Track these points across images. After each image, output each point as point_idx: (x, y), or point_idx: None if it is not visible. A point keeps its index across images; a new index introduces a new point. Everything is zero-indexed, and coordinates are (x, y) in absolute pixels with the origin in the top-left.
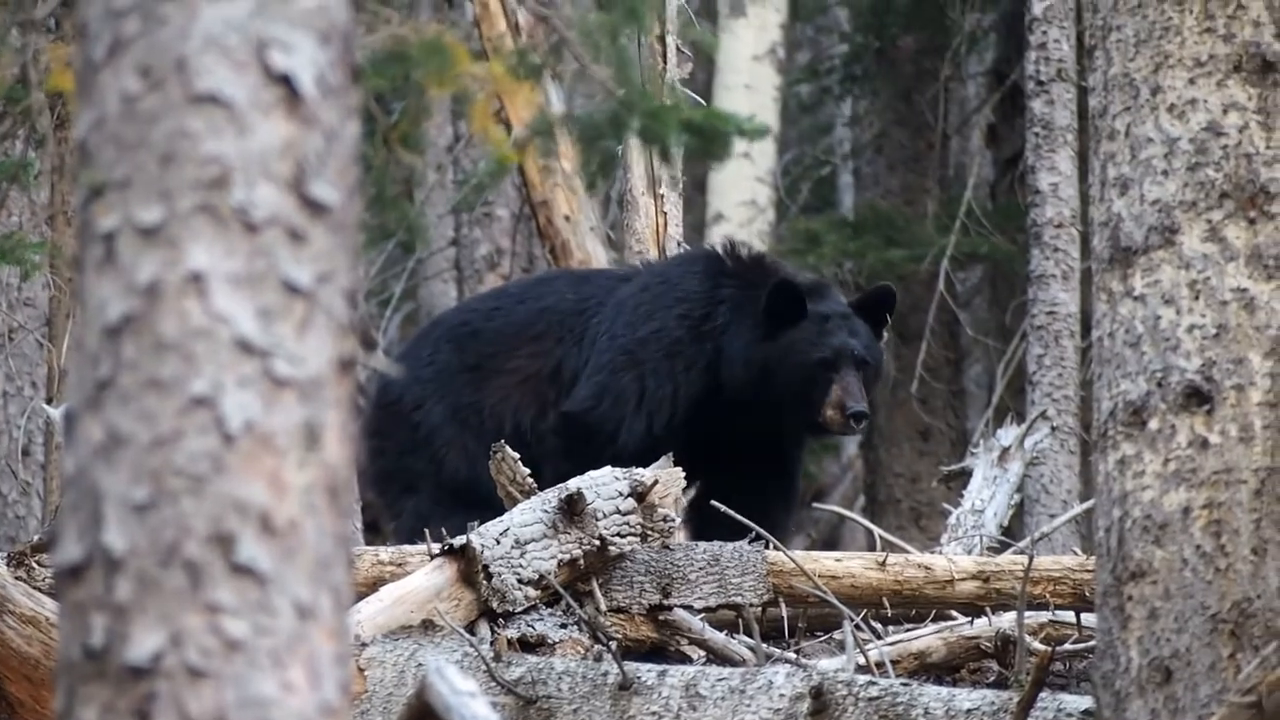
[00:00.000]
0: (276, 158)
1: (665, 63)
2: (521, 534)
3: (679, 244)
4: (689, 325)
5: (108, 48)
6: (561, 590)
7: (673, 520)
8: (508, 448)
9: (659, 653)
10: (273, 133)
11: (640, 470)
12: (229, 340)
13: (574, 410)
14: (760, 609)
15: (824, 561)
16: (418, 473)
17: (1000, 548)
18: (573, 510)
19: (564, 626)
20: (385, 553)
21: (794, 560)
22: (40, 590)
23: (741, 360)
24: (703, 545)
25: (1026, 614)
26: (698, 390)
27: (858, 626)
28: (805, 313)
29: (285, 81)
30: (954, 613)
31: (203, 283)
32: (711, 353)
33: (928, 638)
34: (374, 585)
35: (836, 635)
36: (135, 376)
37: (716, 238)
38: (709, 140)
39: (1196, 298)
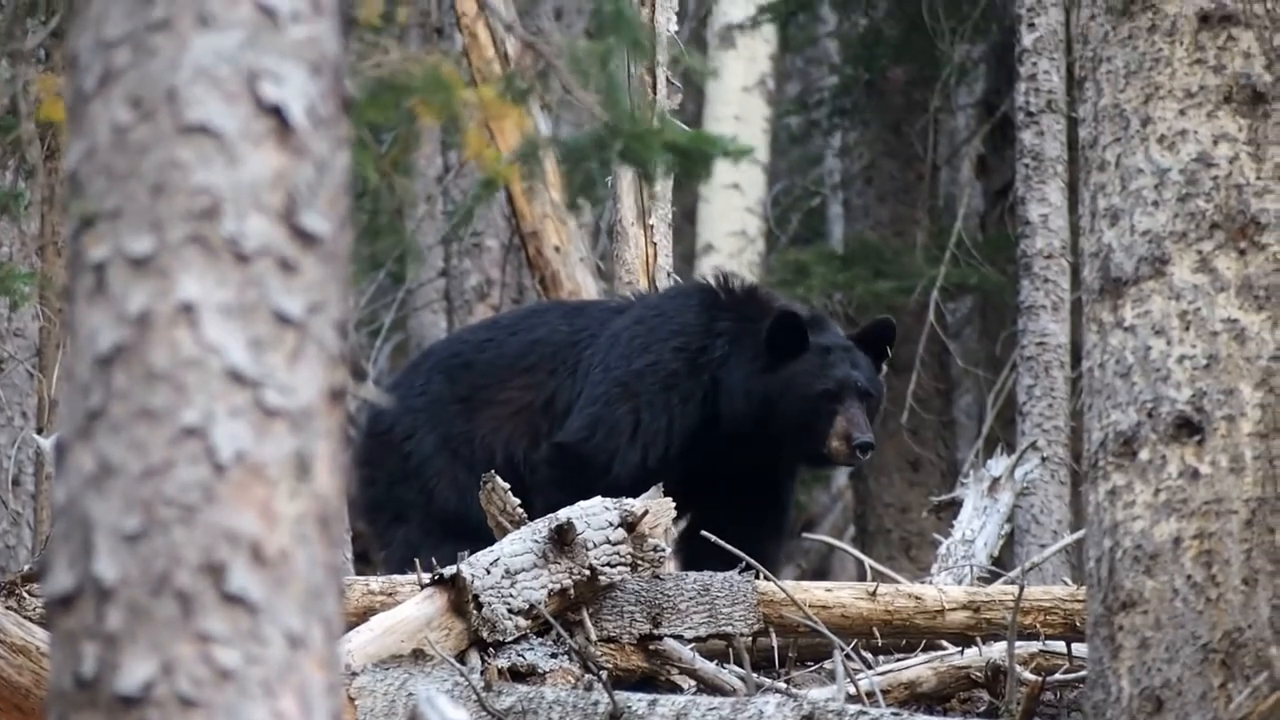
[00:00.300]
0: (267, 188)
1: (655, 94)
2: (512, 564)
3: (669, 274)
4: (685, 358)
5: (98, 78)
6: (552, 620)
7: (663, 550)
8: (498, 478)
9: (649, 682)
10: (264, 163)
11: (630, 500)
12: (220, 370)
13: (567, 441)
14: (751, 639)
15: (814, 591)
16: (408, 502)
17: (991, 578)
18: (563, 540)
19: (554, 656)
20: (376, 582)
21: (784, 590)
22: (31, 620)
23: (742, 392)
24: (693, 575)
25: (1017, 644)
26: (693, 422)
27: (848, 656)
28: (807, 344)
29: (276, 112)
30: (944, 642)
31: (194, 313)
32: (708, 385)
33: (918, 667)
34: (364, 615)
35: (827, 665)
36: (126, 406)
37: (706, 268)
38: (693, 161)
39: (1187, 328)
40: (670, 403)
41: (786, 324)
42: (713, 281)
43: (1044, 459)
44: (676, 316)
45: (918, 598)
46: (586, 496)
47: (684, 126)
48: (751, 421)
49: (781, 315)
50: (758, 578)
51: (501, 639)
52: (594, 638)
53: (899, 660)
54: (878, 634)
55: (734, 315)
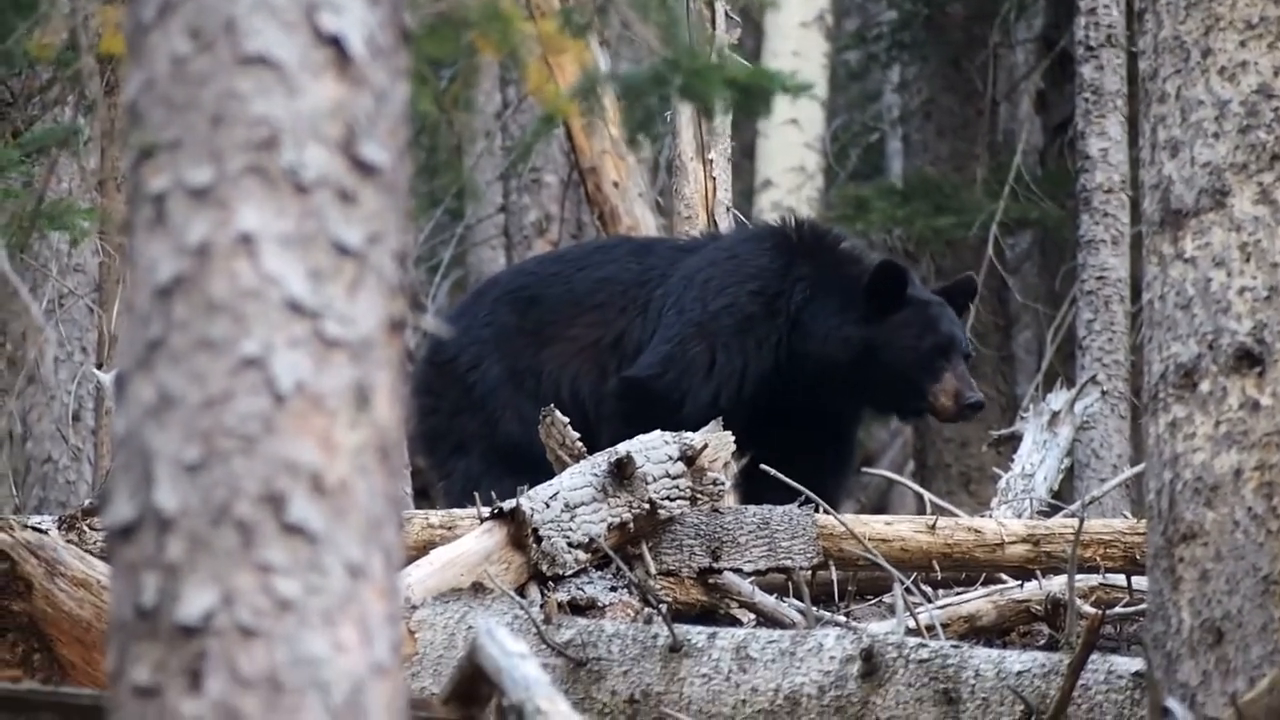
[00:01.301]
0: (326, 119)
1: (714, 29)
2: (571, 498)
3: (728, 210)
4: (762, 301)
5: (157, 9)
6: (611, 553)
7: (722, 484)
8: (557, 412)
9: (709, 616)
10: (322, 94)
11: (690, 434)
12: (279, 301)
13: (639, 376)
14: (810, 572)
15: (874, 525)
16: (470, 433)
17: (1050, 511)
18: (622, 474)
19: (614, 589)
20: (435, 516)
21: (844, 523)
22: (91, 554)
23: (839, 339)
24: (752, 509)
25: (1077, 577)
26: (767, 366)
27: (908, 590)
28: (907, 297)
29: (335, 42)
30: (1004, 576)
31: (253, 244)
32: (784, 329)
33: (978, 601)
34: (424, 549)
35: (886, 599)
36: (186, 337)
37: (765, 204)
38: (752, 97)
39: (1247, 260)
40: (745, 345)
41: (890, 275)
42: (782, 223)
43: (1104, 393)
44: (752, 260)
45: (977, 531)
46: None
47: (743, 62)
48: (847, 369)
49: (885, 266)
50: (817, 511)
51: (561, 573)
52: (653, 571)
53: (958, 594)
54: (937, 567)
55: (811, 260)
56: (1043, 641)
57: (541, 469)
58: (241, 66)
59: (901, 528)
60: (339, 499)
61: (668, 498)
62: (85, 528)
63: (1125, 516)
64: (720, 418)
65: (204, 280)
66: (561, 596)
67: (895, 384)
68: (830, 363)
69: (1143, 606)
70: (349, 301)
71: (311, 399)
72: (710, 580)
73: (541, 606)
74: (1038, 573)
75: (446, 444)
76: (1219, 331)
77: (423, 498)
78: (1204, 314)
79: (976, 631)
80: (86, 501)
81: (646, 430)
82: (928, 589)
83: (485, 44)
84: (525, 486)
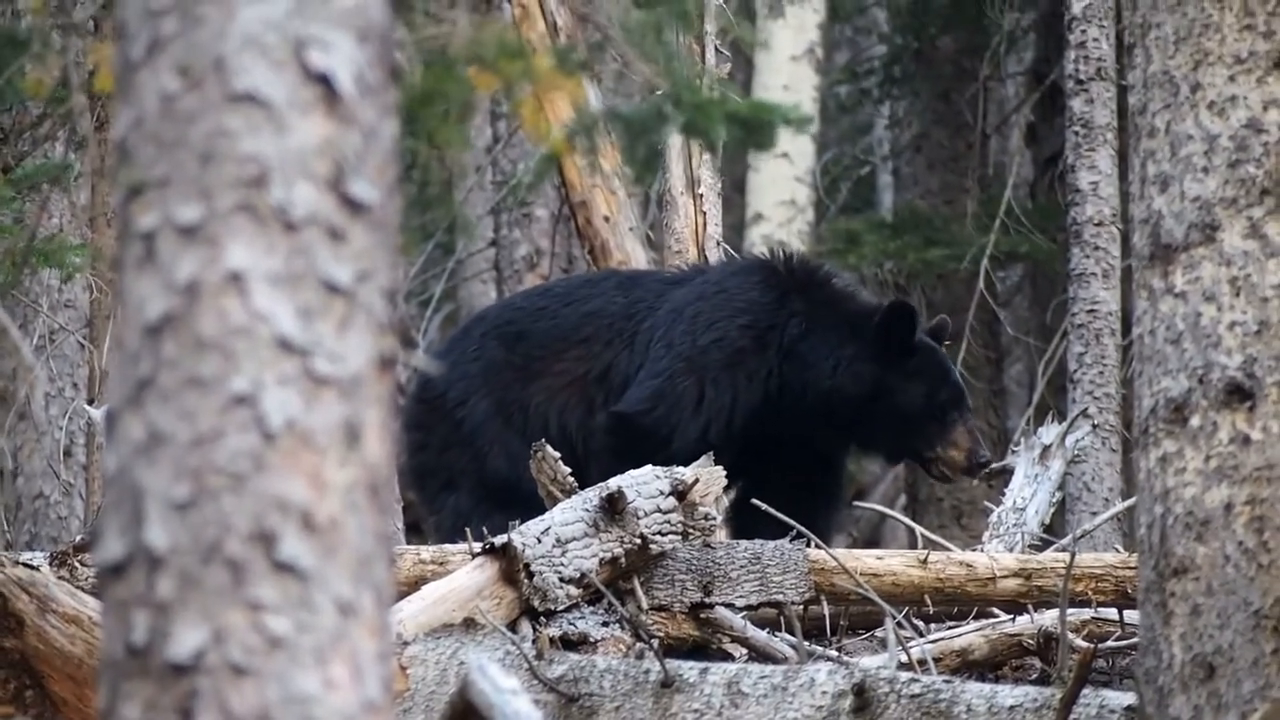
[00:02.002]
0: (315, 156)
1: (704, 63)
2: (563, 532)
3: (718, 244)
4: (753, 335)
5: (146, 47)
6: (603, 588)
7: (714, 518)
8: (548, 447)
9: (701, 651)
10: (311, 131)
11: (681, 469)
12: (269, 338)
13: (628, 412)
14: (802, 607)
15: (866, 559)
16: (459, 469)
17: (1042, 545)
18: (614, 509)
19: (606, 624)
20: (427, 552)
21: (836, 558)
22: (83, 590)
23: (850, 373)
24: (744, 544)
25: (1069, 611)
26: (757, 399)
27: (900, 624)
28: (916, 341)
29: (323, 80)
30: (996, 610)
31: (242, 281)
32: (775, 362)
33: (970, 635)
34: (416, 584)
35: (879, 633)
36: (176, 375)
37: (756, 237)
38: (753, 131)
39: (1238, 294)
40: (735, 379)
41: (903, 315)
42: (770, 257)
43: (1095, 426)
44: (741, 294)
45: (969, 565)
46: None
47: (735, 97)
48: (855, 405)
49: (899, 306)
50: (809, 545)
51: (553, 608)
52: (645, 606)
53: (951, 628)
54: (929, 602)
55: (803, 294)
56: (1035, 676)
57: (531, 504)
58: (230, 104)
59: (893, 562)
60: (329, 536)
61: (659, 532)
62: (77, 563)
63: (1117, 550)
64: (710, 452)
65: (193, 318)
66: (553, 632)
67: (903, 429)
68: (838, 397)
69: (1135, 640)
70: (339, 339)
71: (301, 436)
72: (702, 615)
73: (533, 642)
74: (1030, 607)
75: (436, 480)
76: (1209, 366)
77: (414, 532)
78: (1194, 348)
79: (968, 666)
80: (78, 537)
81: (636, 465)
82: (920, 623)
83: (482, 80)
84: (516, 522)
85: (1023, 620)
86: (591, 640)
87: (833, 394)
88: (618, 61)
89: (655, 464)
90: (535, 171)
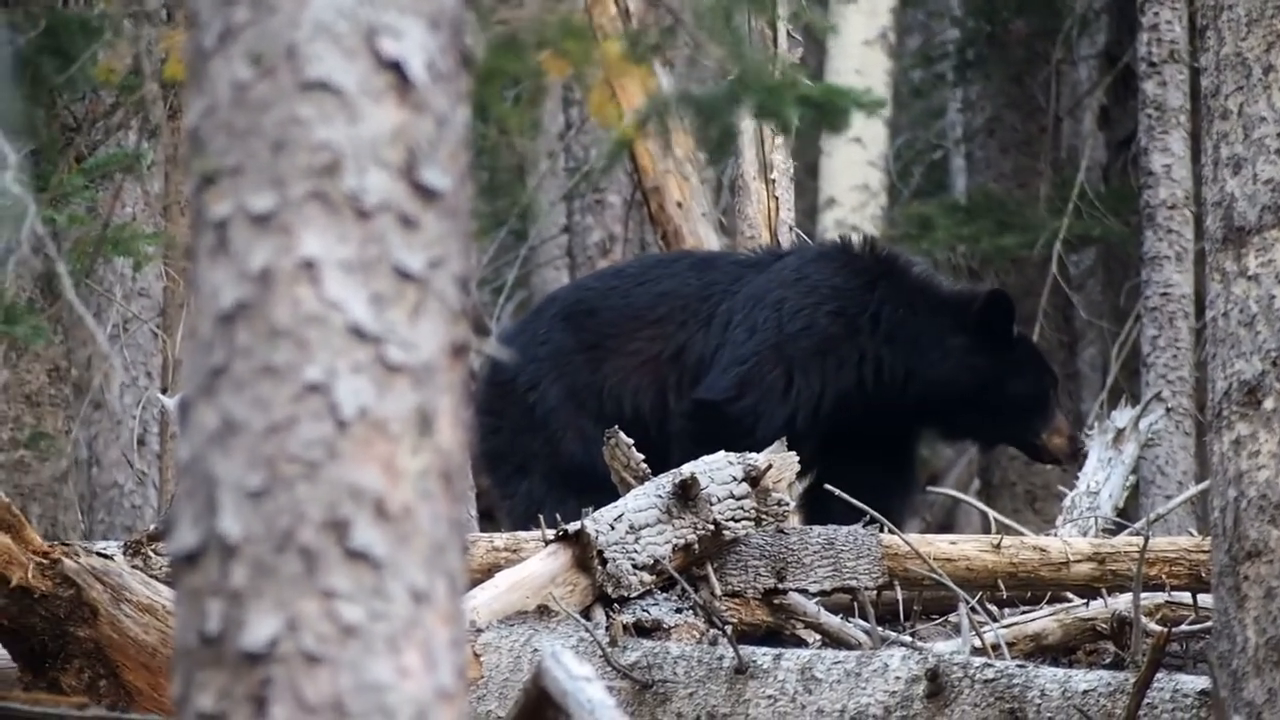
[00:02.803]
0: (387, 144)
1: (776, 48)
2: (636, 519)
3: (791, 229)
4: (844, 321)
5: (218, 36)
6: (676, 575)
7: (787, 504)
8: (621, 433)
9: (774, 636)
10: (383, 119)
11: (754, 455)
12: (342, 327)
13: (713, 399)
14: (875, 592)
15: (939, 544)
16: (532, 454)
17: (1115, 529)
18: (687, 495)
19: (679, 611)
20: (500, 539)
21: (909, 543)
22: (157, 579)
23: (965, 366)
24: (817, 529)
25: (1142, 595)
26: (849, 385)
27: (973, 609)
28: (1014, 330)
29: (395, 68)
30: (1069, 594)
31: (315, 269)
32: (873, 346)
33: (1043, 620)
34: (489, 571)
35: (952, 618)
36: (249, 363)
37: (829, 222)
38: (826, 114)
39: None
40: (825, 367)
41: (1003, 307)
42: (846, 243)
43: (1168, 410)
44: (826, 280)
45: (1042, 550)
46: None
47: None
48: (965, 396)
49: (998, 296)
50: (882, 531)
51: (626, 594)
52: (718, 592)
53: (1024, 612)
54: (1002, 586)
55: (889, 280)
56: (1108, 660)
57: (604, 489)
58: (303, 92)
59: (966, 547)
60: (402, 524)
61: (732, 519)
62: (150, 552)
63: (1190, 534)
64: (785, 439)
65: (266, 306)
66: (627, 618)
67: (1011, 418)
68: (948, 387)
69: (1208, 624)
70: (411, 327)
71: (374, 425)
72: (775, 601)
73: (607, 629)
74: (1103, 591)
75: (509, 464)
76: None
77: (488, 519)
78: (1268, 331)
79: (1042, 650)
80: (151, 526)
81: (717, 451)
82: (993, 608)
83: (554, 65)
84: (589, 508)
85: (1096, 605)
86: (665, 627)
87: (941, 383)
88: (689, 46)
89: (738, 451)
90: (606, 156)
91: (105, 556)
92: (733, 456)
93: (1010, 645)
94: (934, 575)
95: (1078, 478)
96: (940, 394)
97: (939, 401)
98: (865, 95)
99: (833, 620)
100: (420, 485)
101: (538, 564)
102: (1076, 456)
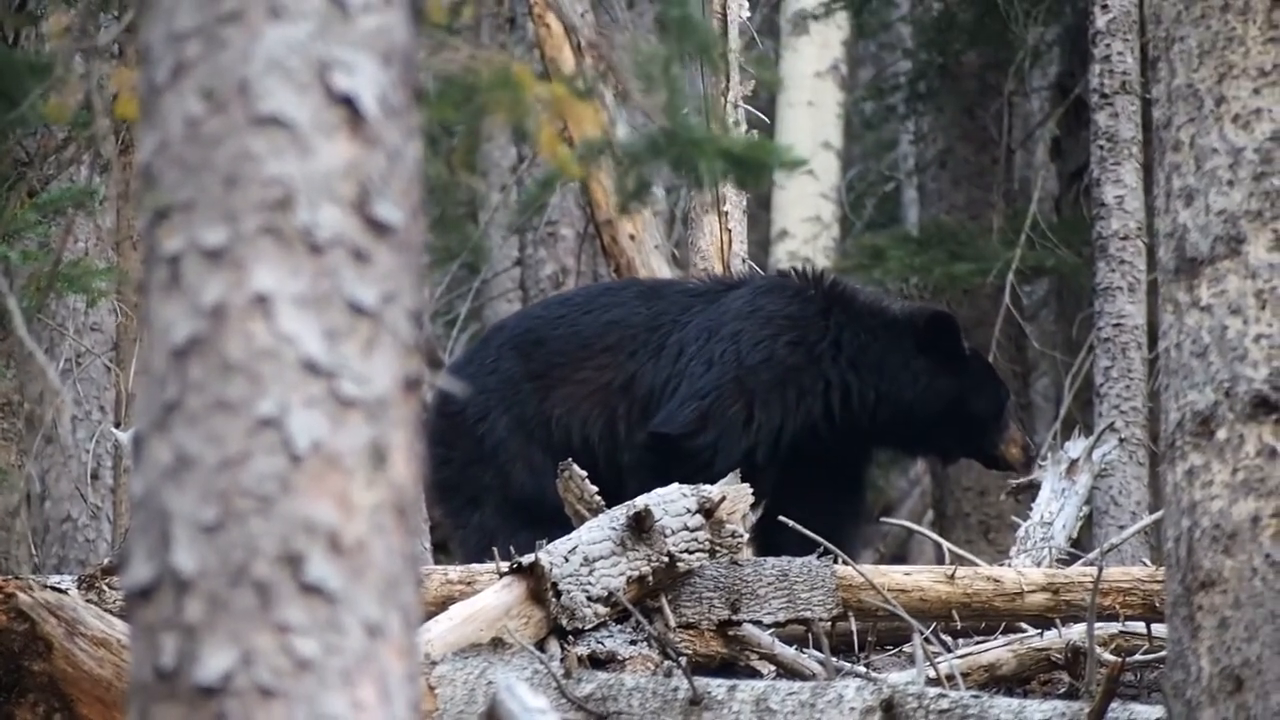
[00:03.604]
0: (340, 178)
1: (728, 81)
2: (590, 551)
3: (744, 261)
4: (803, 350)
5: (170, 71)
6: (631, 607)
7: (741, 536)
8: (575, 466)
9: (729, 668)
10: (336, 154)
11: (708, 487)
12: (295, 361)
13: (672, 433)
14: (830, 623)
15: (893, 575)
16: (483, 485)
17: (1069, 560)
18: (641, 527)
19: (634, 643)
20: (454, 571)
21: (863, 574)
22: (111, 613)
23: (931, 390)
24: (771, 560)
25: (1096, 625)
26: (816, 414)
27: (927, 640)
28: (965, 347)
29: (347, 102)
30: (1024, 625)
31: (268, 304)
32: (836, 375)
33: (998, 650)
34: (443, 604)
35: (906, 649)
36: (202, 398)
37: (782, 254)
38: (747, 170)
39: (1263, 307)
40: (785, 399)
41: (946, 327)
42: (793, 274)
43: (1122, 440)
44: (781, 309)
45: (997, 580)
46: None
47: (761, 116)
48: (933, 417)
49: (940, 317)
50: (836, 562)
51: (580, 626)
52: (673, 624)
53: (978, 643)
54: (957, 617)
55: (842, 306)
56: (1063, 690)
57: (557, 520)
58: (255, 127)
59: (920, 578)
60: (356, 558)
61: (686, 550)
62: (105, 586)
63: (1144, 564)
64: (738, 470)
65: (219, 341)
66: (581, 650)
67: (970, 433)
68: (918, 407)
69: (1163, 654)
70: (364, 361)
71: (328, 458)
72: (730, 632)
73: (561, 661)
74: (1057, 621)
75: (460, 496)
76: (1235, 379)
77: (441, 551)
78: (1220, 361)
79: (997, 680)
80: (106, 560)
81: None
82: (947, 638)
83: (496, 108)
84: (543, 540)
85: (1050, 635)
86: (619, 659)
87: (910, 404)
88: (618, 94)
89: (697, 484)
90: (540, 184)
91: (60, 591)
92: (686, 489)
93: (965, 676)
94: (888, 606)
95: (1031, 508)
96: (908, 416)
97: (905, 423)
98: (788, 153)
99: (787, 651)
100: (374, 519)
101: (492, 596)
102: (1031, 465)
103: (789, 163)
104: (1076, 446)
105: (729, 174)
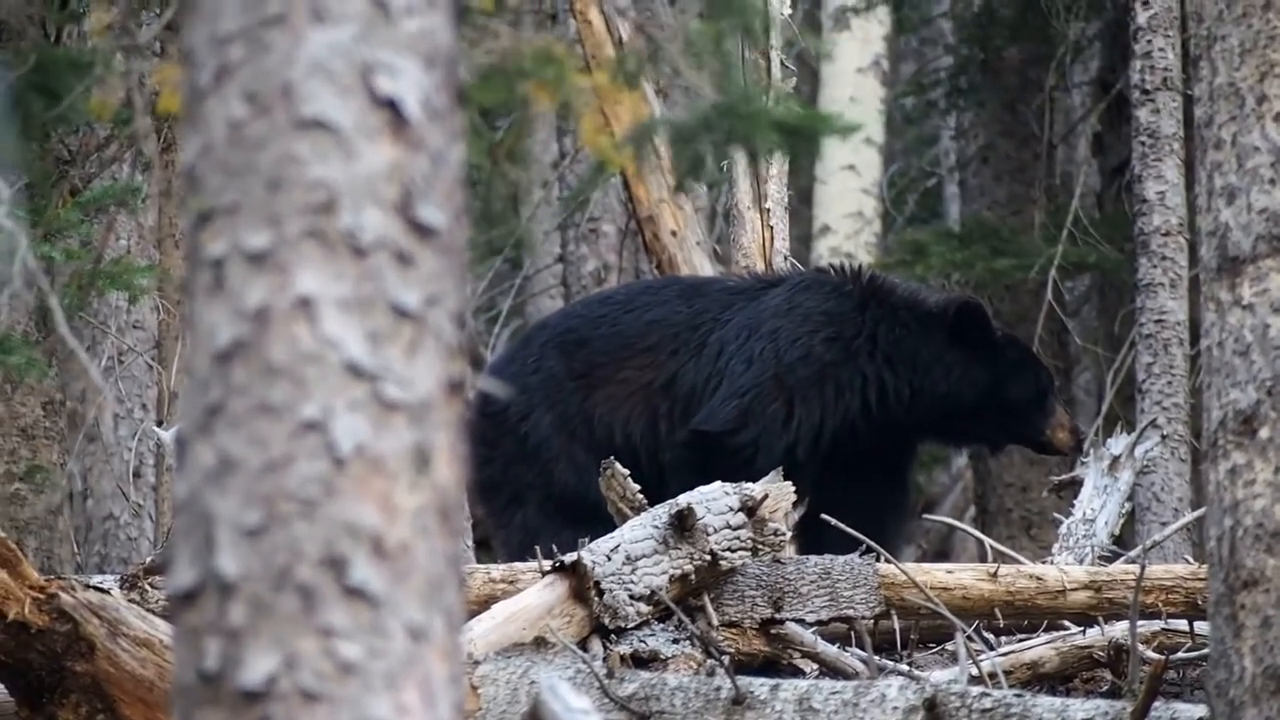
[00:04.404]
0: (383, 181)
1: (769, 78)
2: (633, 550)
3: (785, 258)
4: (839, 347)
5: (213, 74)
6: (673, 606)
7: (783, 534)
8: (617, 464)
9: (771, 666)
10: (379, 156)
11: (750, 485)
12: (338, 364)
13: (714, 430)
14: (872, 621)
15: (935, 573)
16: (526, 484)
17: (1112, 557)
18: (683, 526)
19: (676, 642)
20: (497, 570)
21: (906, 572)
22: (153, 613)
23: (966, 378)
24: (814, 559)
25: (1139, 623)
26: (854, 411)
27: (970, 638)
28: (996, 332)
29: (391, 105)
30: (1067, 622)
31: (312, 307)
32: (872, 371)
33: (1040, 648)
34: (486, 603)
35: (949, 647)
36: (246, 401)
37: (824, 250)
38: (800, 139)
39: None
40: (824, 395)
41: (973, 315)
42: (830, 270)
43: (1164, 437)
44: (818, 306)
45: (1039, 578)
46: None
47: (793, 107)
48: (971, 406)
49: (968, 305)
50: (878, 560)
51: (623, 625)
52: (715, 623)
53: (1021, 641)
54: (999, 615)
55: (878, 300)
56: (1106, 688)
57: (599, 517)
58: (298, 130)
59: (963, 576)
60: (400, 561)
61: (729, 549)
62: (147, 586)
63: (1187, 561)
64: (780, 468)
65: (263, 344)
66: (624, 649)
67: (1014, 420)
68: (954, 399)
69: (1205, 652)
70: (408, 363)
71: (371, 462)
72: (772, 631)
73: (604, 660)
74: (1100, 619)
75: (503, 495)
76: (1277, 378)
77: (483, 548)
78: (1262, 360)
79: (1039, 679)
80: (148, 559)
81: (715, 482)
82: (990, 636)
83: (540, 94)
84: (585, 538)
85: (1093, 632)
86: (662, 658)
87: (946, 396)
88: (672, 73)
89: (740, 481)
90: (587, 180)
91: (102, 590)
92: (729, 487)
93: (1007, 674)
94: (931, 605)
95: (1073, 505)
96: (944, 407)
97: (943, 415)
98: (840, 120)
99: (830, 650)
100: (417, 522)
101: (534, 595)
102: (1080, 448)
103: (843, 128)
104: (1119, 443)
105: (783, 145)
